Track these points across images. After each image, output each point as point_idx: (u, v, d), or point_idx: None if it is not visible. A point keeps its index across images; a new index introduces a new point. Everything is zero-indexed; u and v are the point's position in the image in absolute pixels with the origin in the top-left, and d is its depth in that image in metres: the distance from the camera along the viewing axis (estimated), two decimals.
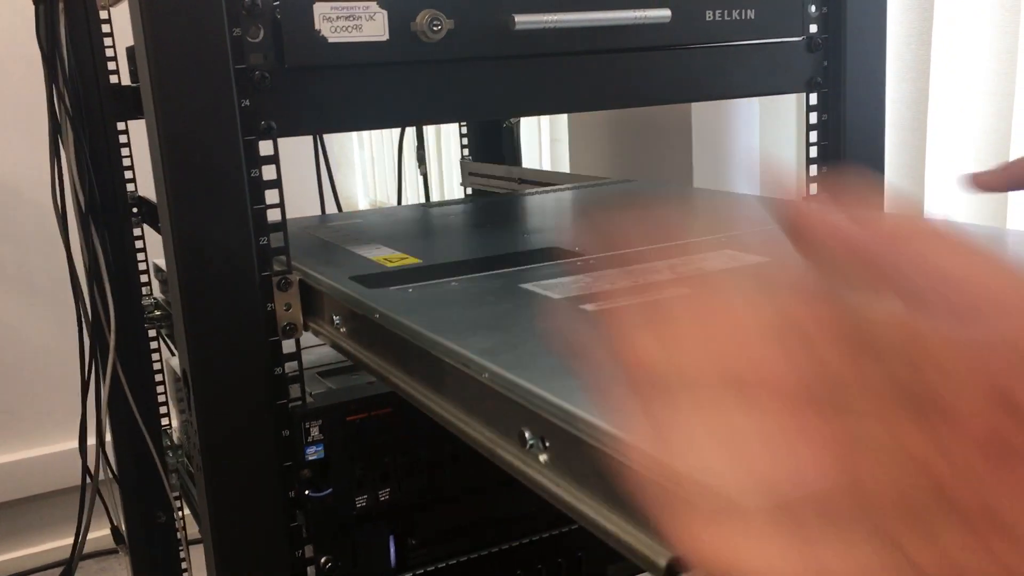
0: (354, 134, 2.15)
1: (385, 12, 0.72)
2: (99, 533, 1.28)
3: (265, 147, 0.72)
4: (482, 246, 0.88)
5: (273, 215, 0.73)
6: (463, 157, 1.64)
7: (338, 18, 0.71)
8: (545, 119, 1.79)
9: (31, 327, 1.71)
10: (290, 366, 0.76)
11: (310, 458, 0.74)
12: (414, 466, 0.78)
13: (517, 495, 0.83)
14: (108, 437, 1.15)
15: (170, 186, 0.69)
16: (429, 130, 1.75)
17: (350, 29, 0.72)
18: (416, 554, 0.80)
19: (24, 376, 1.72)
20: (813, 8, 0.92)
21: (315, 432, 0.75)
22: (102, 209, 1.16)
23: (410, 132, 1.63)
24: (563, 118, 1.74)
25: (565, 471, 0.41)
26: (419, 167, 1.64)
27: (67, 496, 1.24)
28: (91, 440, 1.17)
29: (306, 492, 0.75)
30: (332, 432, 0.75)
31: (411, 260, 0.77)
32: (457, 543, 0.81)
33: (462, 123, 1.64)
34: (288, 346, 0.75)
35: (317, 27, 0.70)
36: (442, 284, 0.68)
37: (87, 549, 1.31)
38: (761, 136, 1.48)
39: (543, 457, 0.43)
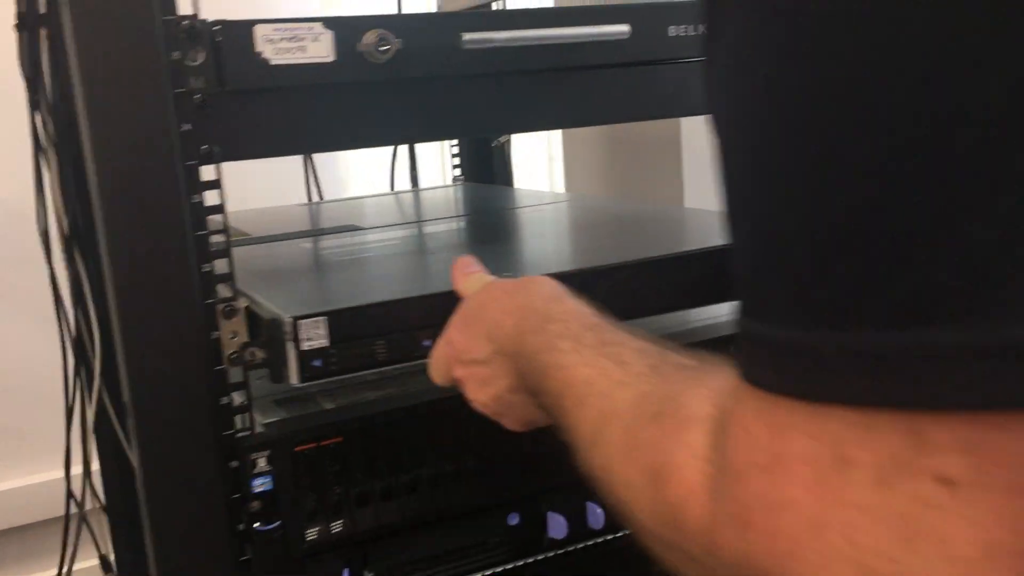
0: None
1: (331, 32, 0.71)
2: (87, 564, 1.27)
3: (209, 172, 0.71)
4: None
5: (217, 241, 0.71)
6: (455, 178, 1.62)
7: (281, 39, 0.69)
8: (541, 137, 1.77)
9: (15, 348, 1.71)
10: (239, 396, 0.74)
11: (257, 490, 0.72)
12: (368, 496, 0.76)
13: (478, 526, 0.81)
14: (95, 465, 1.14)
15: (106, 212, 0.67)
16: (425, 146, 1.73)
17: (294, 51, 0.70)
18: None
19: (7, 400, 1.72)
20: None
21: (262, 463, 0.73)
22: (87, 233, 1.16)
23: (403, 150, 1.62)
24: (558, 136, 1.72)
25: None
26: (412, 189, 1.62)
27: (56, 525, 1.22)
28: (76, 468, 1.15)
29: (254, 525, 0.73)
30: (280, 463, 0.73)
31: None
32: (416, 575, 0.79)
33: (453, 143, 1.63)
34: (236, 375, 0.74)
35: (259, 49, 0.69)
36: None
37: None
38: None
39: None
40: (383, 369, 0.73)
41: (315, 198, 1.52)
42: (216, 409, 0.72)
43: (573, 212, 1.18)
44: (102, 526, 1.25)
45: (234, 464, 0.73)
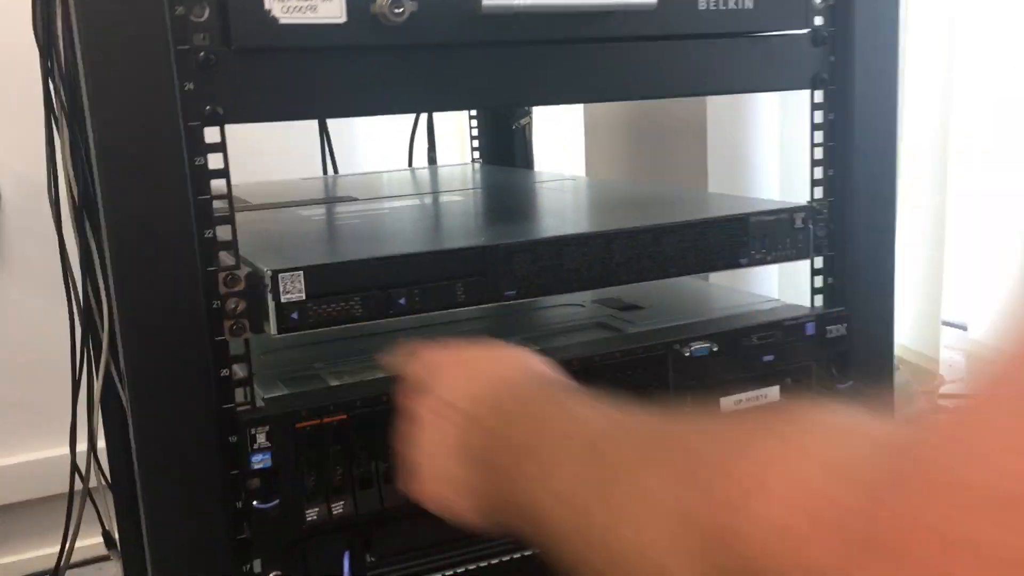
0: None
1: None
2: (92, 540, 1.25)
3: (213, 134, 0.68)
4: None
5: (220, 206, 0.69)
6: (473, 160, 1.60)
7: None
8: (560, 121, 1.73)
9: (26, 322, 1.69)
10: (240, 368, 0.71)
11: (256, 467, 0.70)
12: (371, 477, 0.73)
13: None
14: (102, 442, 1.12)
15: (104, 173, 0.65)
16: (445, 128, 1.70)
17: (304, 10, 0.67)
18: (374, 571, 0.75)
19: (13, 375, 1.71)
20: None
21: (262, 439, 0.70)
22: (97, 203, 1.14)
23: (423, 129, 1.59)
24: (577, 120, 1.69)
25: None
26: (430, 168, 1.59)
27: (62, 501, 1.21)
28: (81, 444, 1.14)
29: (253, 503, 0.70)
30: (280, 439, 0.70)
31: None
32: (419, 561, 0.76)
33: (472, 124, 1.60)
34: (238, 347, 0.71)
35: (267, 7, 0.66)
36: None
37: (81, 556, 1.28)
38: (781, 136, 1.41)
39: None
40: (359, 324, 0.72)
41: (330, 173, 1.49)
42: (216, 381, 0.70)
43: (589, 189, 1.15)
44: (107, 503, 1.23)
45: (233, 439, 0.70)
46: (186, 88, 0.66)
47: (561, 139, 1.91)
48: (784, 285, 1.35)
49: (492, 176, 1.34)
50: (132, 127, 0.64)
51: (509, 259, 0.77)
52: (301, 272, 0.70)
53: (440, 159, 1.62)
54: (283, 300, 0.69)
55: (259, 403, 0.72)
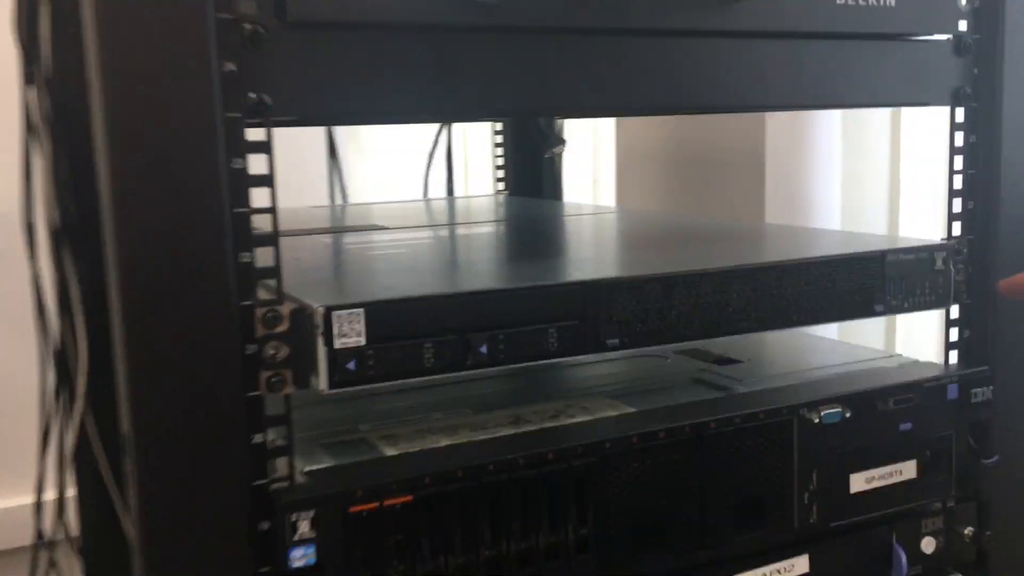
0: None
1: None
2: None
3: (257, 131, 0.53)
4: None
5: (262, 223, 0.53)
6: (497, 192, 1.45)
7: None
8: (588, 147, 1.60)
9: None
10: (276, 433, 0.55)
11: (296, 564, 0.54)
12: None
13: None
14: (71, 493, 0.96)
15: (114, 172, 0.49)
16: (461, 156, 1.56)
17: None
18: None
19: None
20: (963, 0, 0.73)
21: (304, 527, 0.54)
22: (79, 229, 0.97)
23: (440, 158, 1.44)
24: (608, 151, 1.55)
25: None
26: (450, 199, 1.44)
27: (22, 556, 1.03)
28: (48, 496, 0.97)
29: None
30: (329, 528, 0.54)
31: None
32: None
33: (497, 152, 1.46)
34: (275, 405, 0.55)
35: None
36: None
37: None
38: (844, 168, 1.28)
39: None
40: (432, 378, 0.57)
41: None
42: (246, 449, 0.54)
43: (657, 223, 1.01)
44: (73, 568, 1.06)
45: (265, 526, 0.54)
46: (226, 69, 0.50)
47: (588, 170, 1.78)
48: (842, 334, 1.21)
49: (530, 207, 1.19)
50: (153, 117, 0.49)
51: (611, 300, 0.61)
52: (361, 311, 0.54)
53: (456, 191, 1.47)
54: (338, 345, 0.54)
55: (299, 478, 0.56)
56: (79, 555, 1.10)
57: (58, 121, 0.99)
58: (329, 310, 0.53)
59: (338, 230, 0.95)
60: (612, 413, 0.67)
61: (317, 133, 1.29)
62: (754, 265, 0.66)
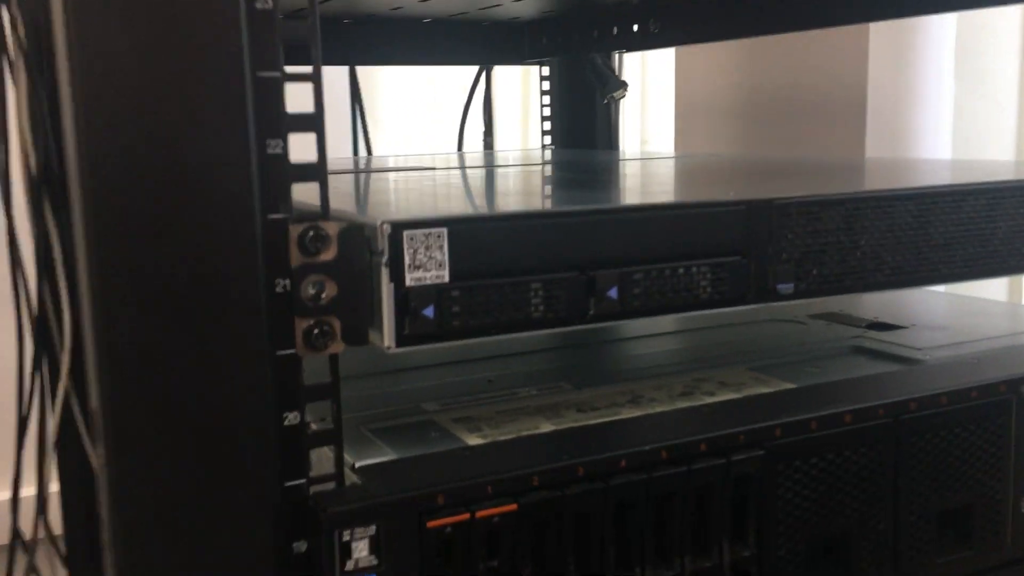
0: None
1: None
2: None
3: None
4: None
5: (299, 96, 0.36)
6: (544, 145, 1.27)
7: None
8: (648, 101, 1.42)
9: None
10: (317, 412, 0.38)
11: None
12: None
13: None
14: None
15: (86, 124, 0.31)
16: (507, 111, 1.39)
17: None
18: None
19: None
20: None
21: (361, 550, 0.36)
22: (62, 176, 0.80)
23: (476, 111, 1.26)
24: (666, 104, 1.37)
25: None
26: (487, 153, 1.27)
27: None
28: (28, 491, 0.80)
29: None
30: (397, 550, 0.37)
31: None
32: None
33: (544, 102, 1.28)
34: (315, 371, 0.37)
35: None
36: None
37: None
38: (955, 123, 1.10)
39: None
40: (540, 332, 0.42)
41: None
42: (277, 435, 0.36)
43: (754, 163, 0.83)
44: (56, 572, 0.90)
45: (302, 547, 0.37)
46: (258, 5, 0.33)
47: (634, 124, 1.60)
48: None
49: (594, 156, 1.01)
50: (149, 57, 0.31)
51: (782, 228, 0.44)
52: (444, 231, 0.37)
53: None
54: (411, 282, 0.36)
55: (350, 477, 0.39)
56: (62, 558, 0.92)
57: (32, 48, 0.81)
58: (398, 228, 0.36)
59: (378, 170, 0.77)
60: (765, 389, 0.50)
61: (339, 77, 1.12)
62: (961, 186, 0.48)
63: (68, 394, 0.67)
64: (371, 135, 1.20)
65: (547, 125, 1.28)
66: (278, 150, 0.35)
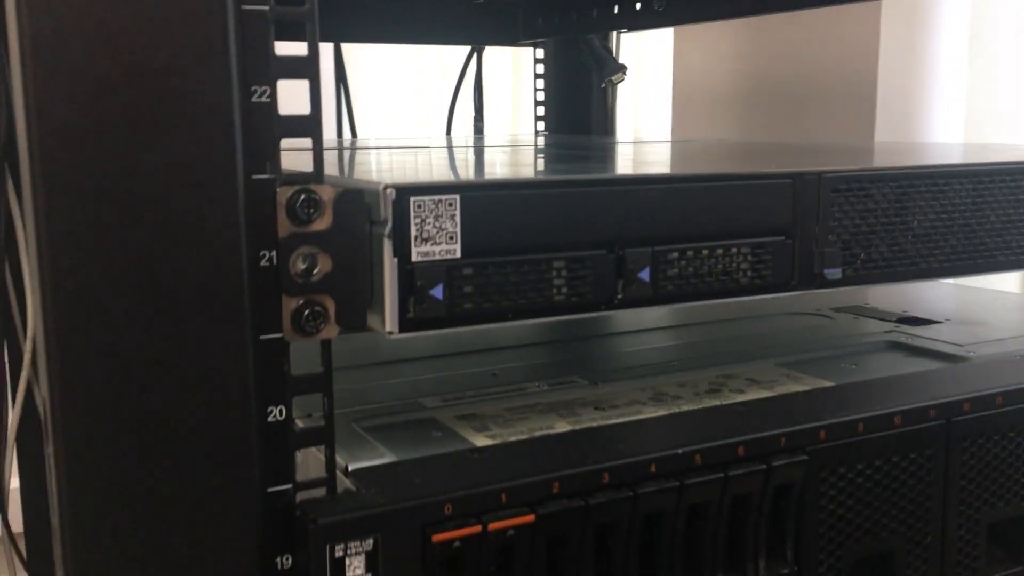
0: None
1: None
2: None
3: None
4: None
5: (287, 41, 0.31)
6: (537, 131, 1.22)
7: None
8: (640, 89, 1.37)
9: None
10: (305, 407, 0.33)
11: None
12: None
13: None
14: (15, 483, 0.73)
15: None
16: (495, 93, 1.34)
17: None
18: None
19: None
20: None
21: (357, 567, 0.31)
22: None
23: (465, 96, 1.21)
24: (659, 92, 1.33)
25: None
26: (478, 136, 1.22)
27: None
28: None
29: None
30: (399, 568, 0.32)
31: None
32: None
33: (538, 86, 1.23)
34: (305, 358, 0.32)
35: None
36: None
37: None
38: (968, 112, 1.06)
39: None
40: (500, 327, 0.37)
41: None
42: (256, 432, 0.31)
43: (765, 147, 0.78)
44: (15, 568, 0.84)
45: (287, 561, 0.32)
46: None
47: (627, 111, 1.55)
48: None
49: (593, 141, 0.96)
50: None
51: (830, 207, 0.39)
52: (456, 197, 0.32)
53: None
54: (417, 256, 0.31)
55: (344, 482, 0.33)
56: (22, 559, 0.86)
57: None
58: (404, 193, 0.31)
59: (369, 148, 0.72)
60: (800, 387, 0.45)
61: (322, 56, 1.07)
62: (1009, 163, 0.44)
63: (31, 384, 0.61)
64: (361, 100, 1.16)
65: (540, 110, 1.23)
66: (265, 98, 0.30)
